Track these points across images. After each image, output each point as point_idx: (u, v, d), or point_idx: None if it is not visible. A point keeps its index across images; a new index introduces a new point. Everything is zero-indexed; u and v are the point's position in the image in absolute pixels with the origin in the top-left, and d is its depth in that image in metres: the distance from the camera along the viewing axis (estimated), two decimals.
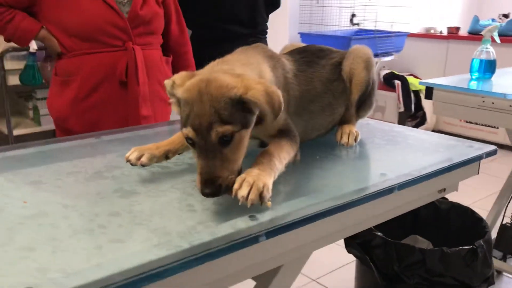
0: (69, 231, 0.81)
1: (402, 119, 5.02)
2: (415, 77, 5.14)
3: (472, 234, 1.69)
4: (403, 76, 4.97)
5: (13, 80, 2.70)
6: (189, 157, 1.16)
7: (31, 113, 2.92)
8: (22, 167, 1.11)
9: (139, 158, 1.08)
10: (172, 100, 1.00)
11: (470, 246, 1.49)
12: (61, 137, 1.39)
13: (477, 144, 1.29)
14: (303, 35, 4.24)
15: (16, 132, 2.77)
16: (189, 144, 0.93)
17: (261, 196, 0.87)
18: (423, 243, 1.88)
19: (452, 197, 1.64)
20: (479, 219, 1.73)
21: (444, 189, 1.25)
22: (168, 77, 1.01)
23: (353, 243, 1.63)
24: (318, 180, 1.05)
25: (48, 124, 2.87)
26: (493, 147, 1.27)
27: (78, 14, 1.64)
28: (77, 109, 1.70)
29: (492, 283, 1.55)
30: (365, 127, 1.46)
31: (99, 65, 1.67)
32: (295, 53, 1.30)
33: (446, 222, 1.84)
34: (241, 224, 0.83)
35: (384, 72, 5.09)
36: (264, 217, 0.86)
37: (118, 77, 1.67)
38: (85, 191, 0.97)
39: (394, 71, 5.06)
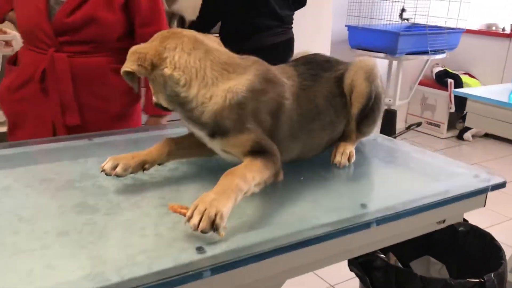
0: (12, 249, 0.80)
1: (453, 120, 4.78)
2: (471, 76, 4.86)
3: (489, 263, 1.57)
4: (457, 75, 4.70)
5: None
6: (168, 169, 1.13)
7: None
8: (7, 167, 1.12)
9: (114, 168, 1.05)
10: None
11: (478, 280, 1.38)
12: (52, 137, 1.38)
13: (484, 174, 1.17)
14: (351, 28, 4.08)
15: None
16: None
17: (213, 224, 0.83)
18: (435, 266, 1.77)
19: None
20: (498, 247, 1.60)
21: (444, 221, 1.15)
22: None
23: (355, 262, 1.55)
24: (290, 208, 0.99)
25: None
26: (501, 180, 1.15)
27: (20, 9, 1.62)
28: (7, 98, 1.67)
29: None
30: (370, 144, 1.37)
31: (29, 63, 1.62)
32: (300, 64, 1.23)
33: (463, 246, 1.72)
34: (185, 256, 0.79)
35: (437, 69, 4.84)
36: (213, 250, 0.81)
37: (35, 80, 1.58)
38: (48, 203, 0.96)
39: (447, 69, 4.81)
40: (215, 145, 1.06)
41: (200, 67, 1.02)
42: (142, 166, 1.08)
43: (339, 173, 1.18)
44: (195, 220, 0.82)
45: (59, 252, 0.79)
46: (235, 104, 1.01)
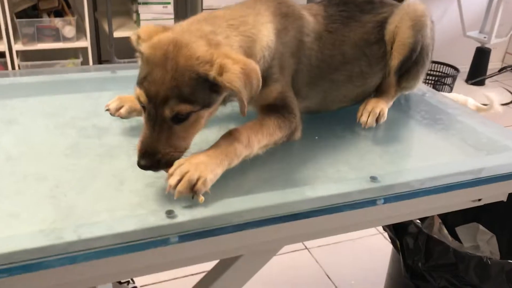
0: None
1: None
2: None
3: None
4: None
5: None
6: None
7: (134, 16, 2.98)
8: (19, 96, 1.12)
9: (118, 109, 1.01)
10: (137, 55, 0.89)
11: None
12: (75, 67, 1.35)
13: None
14: None
15: (116, 34, 2.86)
16: (140, 105, 0.83)
17: (193, 189, 0.76)
18: (484, 235, 1.61)
19: None
20: None
21: (479, 199, 1.01)
22: None
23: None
24: (289, 174, 0.89)
25: None
26: None
27: None
28: None
29: None
30: (415, 99, 1.21)
31: None
32: (333, 4, 1.07)
33: None
34: (151, 220, 0.74)
35: None
36: (184, 216, 0.75)
37: None
38: (41, 141, 0.94)
39: None
40: None
41: (228, 43, 0.86)
42: None
43: (361, 135, 1.05)
44: (173, 180, 0.76)
45: (29, 200, 0.77)
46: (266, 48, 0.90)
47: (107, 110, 1.01)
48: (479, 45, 3.79)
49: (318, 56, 1.00)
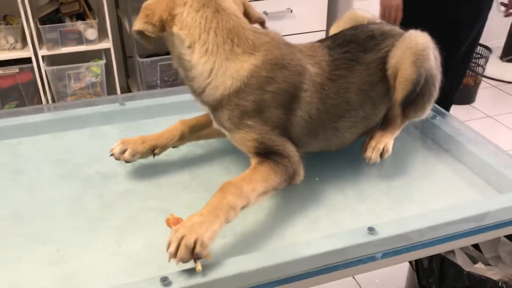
0: None
1: None
2: None
3: None
4: None
5: None
6: (179, 154, 1.08)
7: None
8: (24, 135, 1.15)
9: (122, 152, 1.03)
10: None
11: None
12: (83, 100, 1.36)
13: None
14: None
15: None
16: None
17: (193, 252, 0.76)
18: (506, 246, 1.57)
19: None
20: None
21: None
22: None
23: None
24: (284, 227, 0.89)
25: None
26: None
27: None
28: None
29: None
30: (423, 125, 1.18)
31: None
32: (337, 46, 1.03)
33: None
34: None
35: None
36: (180, 283, 0.76)
37: None
38: (46, 196, 0.97)
39: None
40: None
41: (204, 29, 0.90)
42: (152, 151, 1.04)
43: (363, 172, 1.03)
44: (172, 248, 0.76)
45: (29, 269, 0.80)
46: (234, 94, 0.89)
47: (112, 155, 1.03)
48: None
49: (319, 108, 0.97)
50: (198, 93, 0.94)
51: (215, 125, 0.99)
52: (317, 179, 1.00)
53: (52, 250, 0.84)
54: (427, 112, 1.10)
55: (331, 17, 3.11)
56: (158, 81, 3.07)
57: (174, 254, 0.76)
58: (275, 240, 0.86)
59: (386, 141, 1.05)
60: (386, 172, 1.04)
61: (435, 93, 1.07)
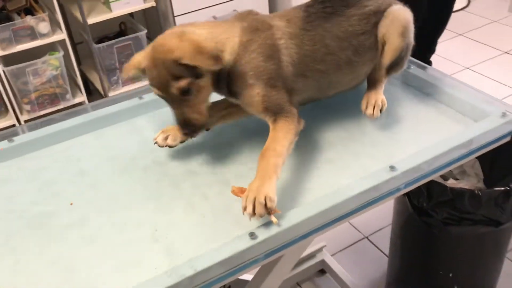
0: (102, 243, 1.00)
1: None
2: None
3: None
4: None
5: None
6: (215, 133, 1.26)
7: None
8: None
9: (165, 139, 1.21)
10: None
11: (504, 188, 1.51)
12: (100, 101, 1.47)
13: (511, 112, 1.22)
14: None
15: (90, 20, 2.91)
16: (160, 97, 1.11)
17: (266, 207, 0.96)
18: (468, 162, 1.89)
19: None
20: None
21: None
22: None
23: None
24: (326, 176, 1.12)
25: (119, 9, 2.97)
26: None
27: None
28: None
29: None
30: (402, 74, 1.42)
31: None
32: (317, 3, 1.23)
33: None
34: (241, 244, 0.96)
35: None
36: (263, 235, 0.97)
37: None
38: (118, 190, 1.14)
39: None
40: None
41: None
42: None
43: (367, 126, 1.27)
44: (249, 209, 0.96)
45: (139, 248, 0.98)
46: (233, 65, 1.11)
47: (155, 143, 1.21)
48: None
49: (299, 52, 1.17)
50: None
51: (230, 100, 1.19)
52: (336, 134, 1.23)
53: (151, 231, 1.02)
54: (403, 69, 1.33)
55: (273, 12, 3.32)
56: (117, 64, 3.13)
57: (253, 213, 0.96)
58: (316, 191, 1.08)
59: (381, 97, 1.27)
60: (385, 121, 1.28)
61: (410, 52, 1.31)
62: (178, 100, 1.07)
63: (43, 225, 1.05)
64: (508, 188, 1.52)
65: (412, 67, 1.44)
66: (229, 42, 1.11)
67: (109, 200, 1.10)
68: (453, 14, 3.15)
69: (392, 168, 1.10)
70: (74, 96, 3.10)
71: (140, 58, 1.10)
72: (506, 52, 3.69)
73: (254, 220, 0.97)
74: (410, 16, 1.25)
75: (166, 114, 1.37)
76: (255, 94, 1.12)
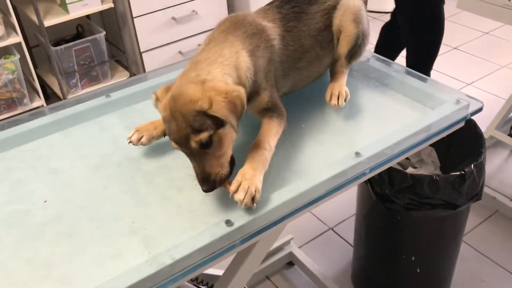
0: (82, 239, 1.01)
1: None
2: None
3: (471, 148, 1.78)
4: None
5: None
6: None
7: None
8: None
9: (139, 139, 1.22)
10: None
11: (459, 173, 1.61)
12: (67, 99, 1.47)
13: (464, 99, 1.31)
14: None
15: (47, 22, 2.86)
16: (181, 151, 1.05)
17: (253, 198, 1.01)
18: (425, 150, 1.99)
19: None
20: (479, 135, 1.79)
21: None
22: None
23: None
24: (298, 164, 1.16)
25: (77, 11, 2.93)
26: (479, 105, 1.30)
27: None
28: None
29: (479, 199, 1.69)
30: (362, 66, 1.49)
31: None
32: (284, 4, 1.28)
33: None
34: (218, 231, 0.99)
35: None
36: (239, 222, 1.01)
37: None
38: (95, 187, 1.15)
39: None
40: None
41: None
42: (164, 134, 1.24)
43: (332, 116, 1.33)
44: (240, 196, 0.99)
45: (118, 239, 1.00)
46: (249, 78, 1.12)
47: (130, 142, 1.22)
48: None
49: (285, 53, 1.23)
50: None
51: None
52: (303, 125, 1.27)
53: (128, 224, 1.03)
54: (361, 57, 1.41)
55: (231, 12, 3.37)
56: (76, 66, 3.10)
57: (242, 201, 1.00)
58: (287, 179, 1.13)
59: (344, 88, 1.34)
60: (348, 112, 1.34)
61: (367, 42, 1.38)
62: (198, 155, 1.01)
63: (18, 223, 1.05)
64: (463, 172, 1.61)
65: (371, 60, 1.52)
66: (241, 64, 1.10)
67: (84, 197, 1.11)
68: None
69: (357, 154, 1.16)
70: (32, 100, 3.04)
71: (161, 107, 1.04)
72: (455, 48, 3.87)
73: (229, 208, 1.01)
74: (361, 5, 1.32)
75: (134, 111, 1.39)
76: (265, 96, 1.16)
